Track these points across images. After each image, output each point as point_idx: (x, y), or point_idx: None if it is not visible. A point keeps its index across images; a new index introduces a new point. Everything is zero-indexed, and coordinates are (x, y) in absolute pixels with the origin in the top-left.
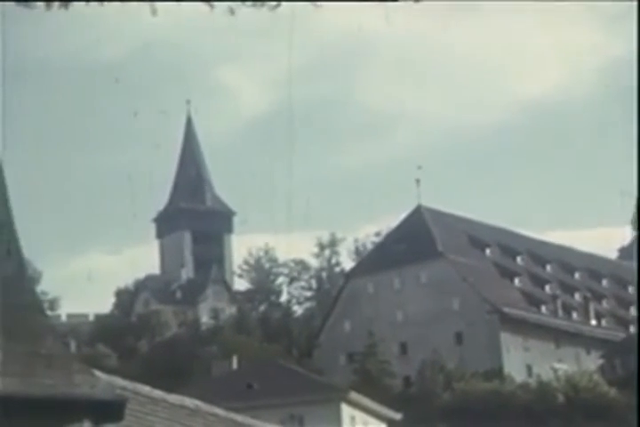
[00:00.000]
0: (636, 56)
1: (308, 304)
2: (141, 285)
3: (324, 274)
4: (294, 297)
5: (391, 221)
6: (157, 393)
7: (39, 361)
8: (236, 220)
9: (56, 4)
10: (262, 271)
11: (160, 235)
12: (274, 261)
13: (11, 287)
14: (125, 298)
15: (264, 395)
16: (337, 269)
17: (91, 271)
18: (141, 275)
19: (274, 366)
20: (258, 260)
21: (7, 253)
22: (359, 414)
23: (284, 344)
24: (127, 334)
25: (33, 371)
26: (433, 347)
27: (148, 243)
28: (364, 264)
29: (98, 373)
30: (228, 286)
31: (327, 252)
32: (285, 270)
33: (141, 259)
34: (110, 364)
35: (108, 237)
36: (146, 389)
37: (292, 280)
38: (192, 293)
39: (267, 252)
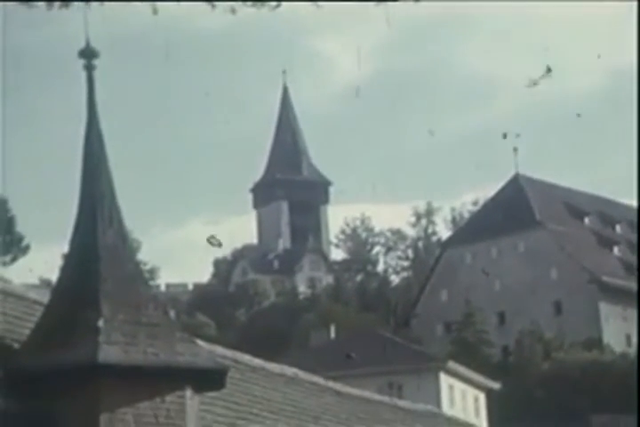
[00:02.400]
0: (637, 55)
1: (404, 274)
2: (239, 255)
3: (420, 243)
4: (391, 267)
5: (488, 190)
6: (257, 362)
7: (142, 330)
8: (332, 190)
9: (57, 3)
10: (359, 241)
11: (257, 205)
12: (370, 230)
13: (113, 258)
14: (223, 268)
15: (362, 364)
16: (434, 239)
17: (189, 241)
18: (239, 245)
19: (371, 336)
20: (354, 229)
21: (109, 224)
22: (457, 384)
23: (381, 314)
24: (225, 303)
25: (136, 340)
26: (531, 317)
27: (246, 213)
28: (460, 234)
29: (199, 341)
30: (324, 256)
31: (424, 221)
32: (382, 240)
33: (239, 229)
34: (209, 333)
35: (207, 207)
36: (245, 357)
37: (388, 250)
38: (289, 262)
39: (363, 221)
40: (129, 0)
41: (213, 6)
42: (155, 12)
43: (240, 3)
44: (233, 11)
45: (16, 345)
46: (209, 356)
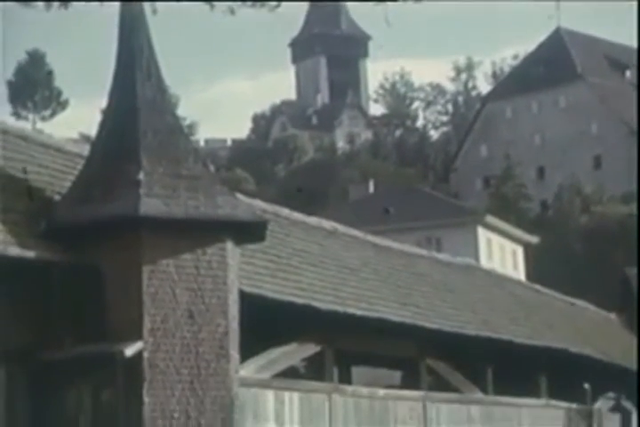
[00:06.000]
0: (637, 54)
1: (443, 129)
2: (278, 110)
3: (460, 98)
4: (430, 122)
5: (529, 43)
6: (296, 216)
7: (182, 183)
8: (371, 44)
9: (56, 3)
10: (398, 96)
11: (295, 60)
12: (409, 85)
13: (152, 110)
14: (262, 123)
15: (401, 218)
16: (473, 93)
17: (228, 97)
18: (277, 100)
19: (410, 191)
20: (393, 84)
21: (148, 78)
22: (495, 238)
23: (419, 169)
24: (264, 158)
25: (176, 192)
26: (570, 170)
27: (285, 68)
28: (501, 88)
29: (239, 195)
30: (363, 111)
31: (464, 75)
32: (421, 95)
33: (278, 84)
34: (248, 188)
35: (246, 62)
36: (285, 211)
37: (427, 105)
38: (328, 118)
39: (402, 76)
40: (128, 0)
41: (212, 6)
42: (154, 12)
43: (239, 3)
44: (232, 11)
45: (57, 197)
46: (249, 209)
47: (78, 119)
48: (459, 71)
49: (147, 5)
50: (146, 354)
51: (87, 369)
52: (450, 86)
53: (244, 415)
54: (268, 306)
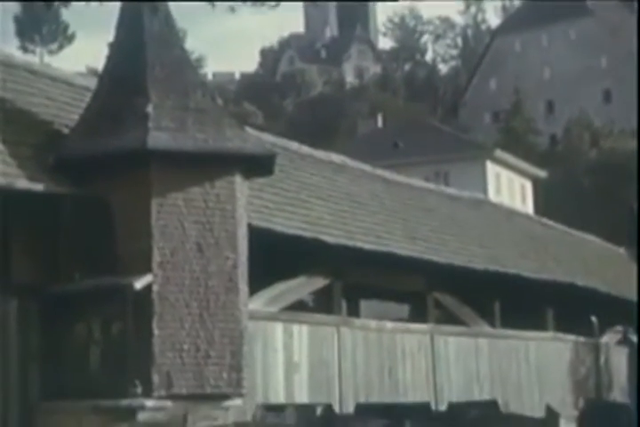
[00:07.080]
0: (637, 55)
1: (453, 62)
2: (286, 43)
3: (469, 31)
4: (439, 55)
5: None
6: (305, 149)
7: (190, 116)
8: None
9: (56, 3)
10: (407, 29)
11: None
12: (418, 18)
13: (160, 43)
14: (270, 57)
15: (409, 153)
16: (483, 27)
17: (236, 31)
18: (286, 34)
19: (419, 125)
20: (402, 18)
21: (154, 10)
22: (504, 172)
23: (428, 103)
24: (272, 92)
25: (185, 126)
26: (580, 105)
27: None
28: (511, 21)
29: (248, 129)
30: (372, 45)
31: (473, 8)
32: (430, 28)
33: (286, 18)
34: (256, 122)
35: None
36: (294, 145)
37: (437, 38)
38: (336, 51)
39: (411, 9)
40: (128, 0)
41: (212, 6)
42: (154, 11)
43: (239, 2)
44: (232, 10)
45: (65, 130)
46: (258, 142)
47: (85, 53)
48: (468, 4)
49: None
50: (155, 287)
51: (97, 302)
52: (459, 19)
53: (253, 348)
54: (276, 240)
